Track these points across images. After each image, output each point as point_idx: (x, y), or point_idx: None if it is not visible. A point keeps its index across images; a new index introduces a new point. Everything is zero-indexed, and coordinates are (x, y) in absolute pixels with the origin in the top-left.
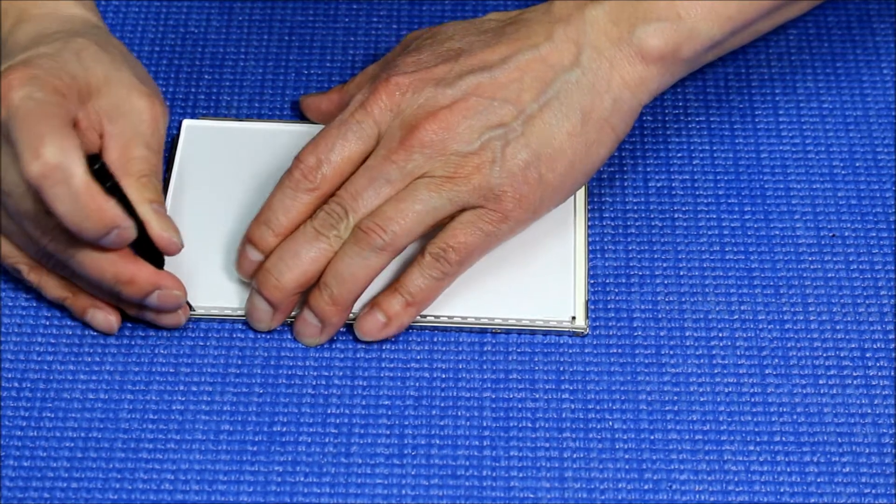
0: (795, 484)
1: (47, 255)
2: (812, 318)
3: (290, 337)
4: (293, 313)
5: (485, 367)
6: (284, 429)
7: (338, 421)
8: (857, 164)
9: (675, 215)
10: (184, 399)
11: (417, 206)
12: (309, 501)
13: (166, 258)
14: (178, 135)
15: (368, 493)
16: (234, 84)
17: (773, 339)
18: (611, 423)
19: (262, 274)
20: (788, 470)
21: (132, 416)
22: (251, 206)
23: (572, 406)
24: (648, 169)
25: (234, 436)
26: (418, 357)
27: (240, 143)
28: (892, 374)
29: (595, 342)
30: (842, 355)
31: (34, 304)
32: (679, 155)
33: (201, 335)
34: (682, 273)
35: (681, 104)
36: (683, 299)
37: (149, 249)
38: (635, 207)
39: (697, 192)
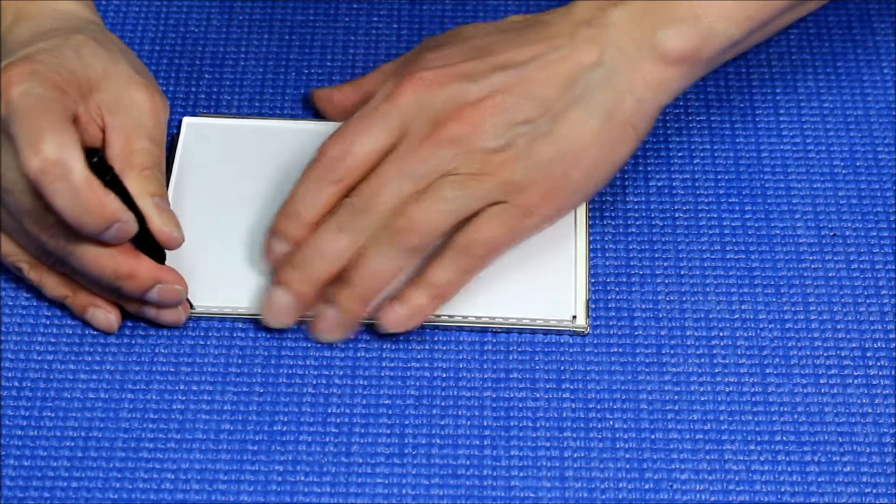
0: (796, 483)
1: (47, 253)
2: (813, 317)
3: (290, 336)
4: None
5: (485, 366)
6: (285, 428)
7: (338, 420)
8: (858, 164)
9: (676, 215)
10: (184, 398)
11: (444, 206)
12: (309, 501)
13: (168, 254)
14: (178, 132)
15: (369, 493)
16: (235, 83)
17: (774, 338)
18: (611, 423)
19: (284, 269)
20: (789, 469)
21: (132, 416)
22: (252, 204)
23: (573, 405)
24: (649, 168)
25: (234, 435)
26: (419, 356)
27: (241, 141)
28: (893, 373)
29: (596, 341)
30: (842, 355)
31: (34, 304)
32: (680, 154)
33: (202, 334)
34: (682, 272)
35: (681, 104)
36: (684, 298)
37: (150, 244)
38: (636, 207)
39: (698, 192)
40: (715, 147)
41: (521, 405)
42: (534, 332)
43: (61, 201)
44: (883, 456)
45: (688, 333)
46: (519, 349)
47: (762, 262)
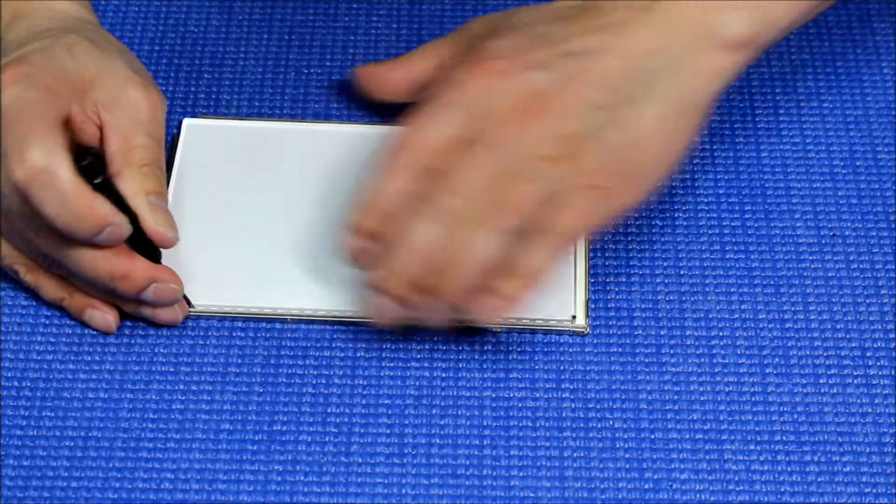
0: (796, 483)
1: (43, 255)
2: (812, 317)
3: (290, 336)
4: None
5: (485, 366)
6: (284, 428)
7: (338, 420)
8: (858, 164)
9: (676, 214)
10: (184, 398)
11: (534, 187)
12: (309, 501)
13: (168, 255)
14: (178, 134)
15: (368, 493)
16: (234, 83)
17: (774, 338)
18: (611, 423)
19: (380, 275)
20: (789, 469)
21: (132, 416)
22: (252, 205)
23: (573, 405)
24: None
25: (234, 435)
26: (418, 356)
27: (241, 142)
28: (893, 373)
29: (595, 341)
30: (842, 354)
31: (34, 304)
32: None
33: (201, 334)
34: (682, 272)
35: None
36: (684, 298)
37: (146, 242)
38: (636, 206)
39: (698, 192)
40: (714, 147)
41: (520, 405)
42: (533, 331)
43: (50, 209)
44: (883, 456)
45: (687, 333)
46: (519, 349)
47: (762, 262)
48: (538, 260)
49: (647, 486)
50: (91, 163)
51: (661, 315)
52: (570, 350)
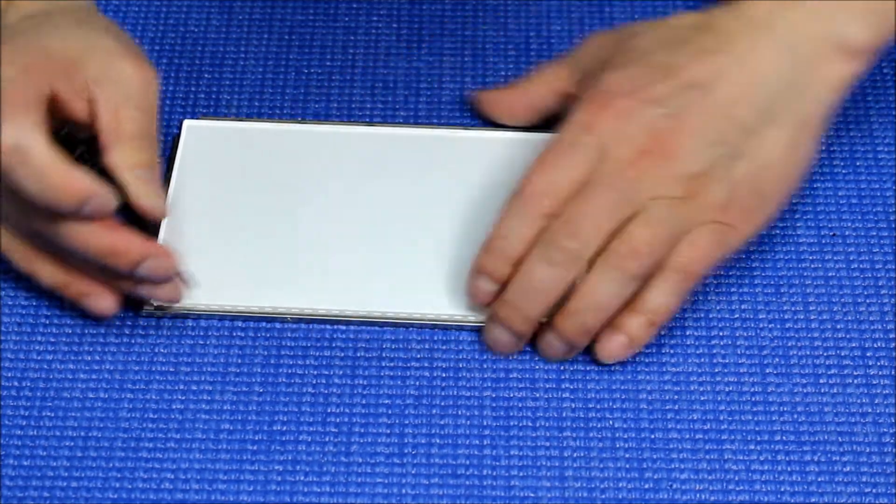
0: (796, 483)
1: (38, 234)
2: (812, 317)
3: (290, 336)
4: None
5: (485, 365)
6: (284, 428)
7: (338, 420)
8: (858, 164)
9: None
10: (184, 398)
11: (662, 230)
12: (309, 501)
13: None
14: (178, 135)
15: (368, 493)
16: (234, 83)
17: (774, 338)
18: (611, 423)
19: (505, 309)
20: (789, 469)
21: (132, 416)
22: (252, 206)
23: (573, 405)
24: None
25: (234, 435)
26: (418, 356)
27: (241, 143)
28: (893, 373)
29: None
30: (842, 354)
31: (34, 304)
32: None
33: (201, 334)
34: None
35: None
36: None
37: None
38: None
39: None
40: None
41: (520, 405)
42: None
43: (27, 185)
44: (883, 456)
45: (688, 333)
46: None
47: (762, 262)
48: (665, 299)
49: (647, 486)
50: (69, 132)
51: None
52: None
